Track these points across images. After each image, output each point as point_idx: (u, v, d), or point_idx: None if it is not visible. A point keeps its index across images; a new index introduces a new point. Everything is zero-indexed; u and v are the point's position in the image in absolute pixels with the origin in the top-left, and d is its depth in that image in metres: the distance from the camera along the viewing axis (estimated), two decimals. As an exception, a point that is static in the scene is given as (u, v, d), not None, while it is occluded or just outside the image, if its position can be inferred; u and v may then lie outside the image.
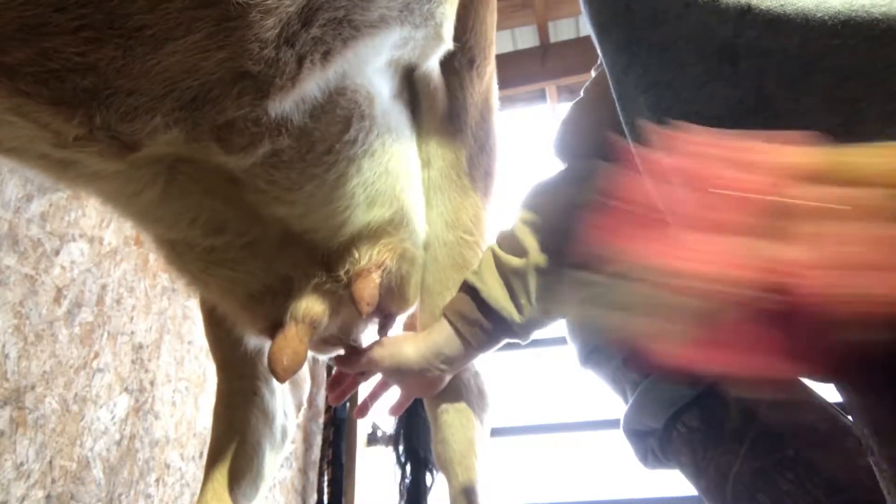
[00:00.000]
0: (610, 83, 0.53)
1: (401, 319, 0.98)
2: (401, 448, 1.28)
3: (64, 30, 0.46)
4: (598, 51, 0.54)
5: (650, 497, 1.77)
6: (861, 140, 0.38)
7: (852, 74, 0.39)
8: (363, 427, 2.09)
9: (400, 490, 1.27)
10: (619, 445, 1.89)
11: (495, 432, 1.61)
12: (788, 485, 0.71)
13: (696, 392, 0.80)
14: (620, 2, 0.48)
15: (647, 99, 0.48)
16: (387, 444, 1.27)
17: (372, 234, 0.78)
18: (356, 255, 0.78)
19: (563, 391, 2.02)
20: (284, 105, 0.58)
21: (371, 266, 0.78)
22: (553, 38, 2.58)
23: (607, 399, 1.91)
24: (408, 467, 1.27)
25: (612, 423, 1.86)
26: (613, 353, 0.87)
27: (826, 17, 0.39)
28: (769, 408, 0.76)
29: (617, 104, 0.53)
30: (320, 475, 1.79)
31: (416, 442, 1.22)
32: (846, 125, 0.40)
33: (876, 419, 0.45)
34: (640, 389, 0.84)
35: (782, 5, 0.40)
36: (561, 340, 2.01)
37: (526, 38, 2.63)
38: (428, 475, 1.25)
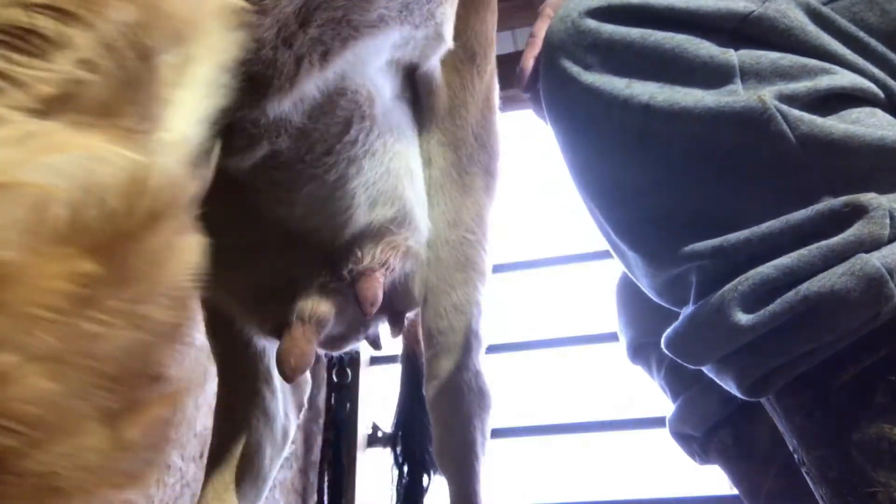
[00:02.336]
0: (566, 167, 0.67)
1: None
2: (398, 449, 1.28)
3: None
4: (558, 144, 0.67)
5: (652, 498, 1.77)
6: (744, 198, 0.53)
7: (730, 150, 0.52)
8: (363, 428, 2.09)
9: (397, 491, 1.26)
10: (620, 446, 1.89)
11: (496, 433, 1.61)
12: None
13: (728, 411, 0.83)
14: (565, 107, 0.62)
15: (589, 176, 0.62)
16: (385, 445, 1.27)
17: (374, 234, 0.78)
18: (359, 255, 0.78)
19: (564, 392, 2.02)
20: (283, 106, 0.58)
21: (374, 265, 0.78)
22: (553, 39, 2.57)
23: (608, 400, 1.91)
24: (405, 468, 1.26)
25: (614, 425, 1.86)
26: (661, 354, 0.90)
27: (703, 112, 0.52)
28: None
29: (574, 184, 0.66)
30: (320, 476, 1.79)
31: (413, 443, 1.22)
32: (733, 188, 0.53)
33: (798, 426, 0.52)
34: (681, 400, 0.87)
35: (671, 105, 0.53)
36: (561, 341, 2.01)
37: (526, 38, 2.63)
38: (425, 476, 1.25)
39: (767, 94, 0.51)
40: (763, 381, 0.52)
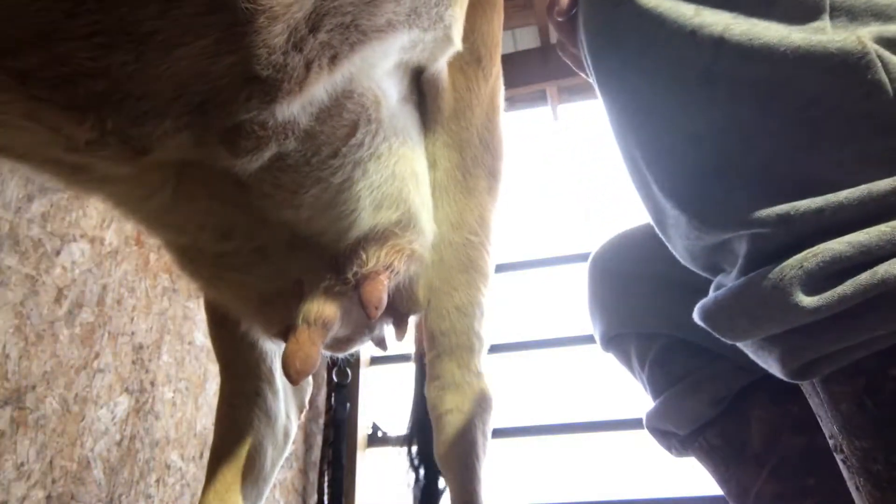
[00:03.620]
0: (603, 106, 0.59)
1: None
2: (414, 450, 1.27)
3: (76, 35, 0.46)
4: (593, 78, 0.60)
5: (652, 498, 1.77)
6: (821, 158, 0.45)
7: (812, 100, 0.45)
8: (363, 427, 2.09)
9: (414, 494, 1.25)
10: (621, 446, 1.89)
11: (496, 433, 1.62)
12: None
13: (718, 411, 0.79)
14: (612, 32, 0.54)
15: (635, 119, 0.55)
16: (401, 445, 1.25)
17: (379, 237, 0.78)
18: (364, 258, 0.78)
19: (565, 392, 2.03)
20: (292, 109, 0.58)
21: (379, 268, 0.78)
22: (554, 39, 2.58)
23: (608, 400, 1.91)
24: (421, 470, 1.25)
25: (615, 424, 1.87)
26: (643, 348, 0.86)
27: (788, 51, 0.45)
28: (791, 431, 0.75)
29: (612, 128, 0.58)
30: (320, 476, 1.79)
31: (429, 444, 1.22)
32: (809, 145, 0.45)
33: (844, 414, 0.47)
34: (664, 397, 0.83)
35: (750, 39, 0.46)
36: (561, 341, 2.01)
37: (527, 38, 2.62)
38: (441, 479, 1.24)
39: (867, 36, 0.44)
40: (813, 364, 0.46)
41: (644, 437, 1.88)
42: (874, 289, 0.41)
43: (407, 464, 1.28)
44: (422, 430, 1.26)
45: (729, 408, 0.80)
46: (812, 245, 0.44)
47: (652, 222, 0.58)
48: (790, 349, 0.46)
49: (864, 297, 0.42)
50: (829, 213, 0.44)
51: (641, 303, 0.84)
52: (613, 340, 0.89)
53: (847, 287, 0.42)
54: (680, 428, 0.83)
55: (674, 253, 0.58)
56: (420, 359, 1.28)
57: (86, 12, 0.45)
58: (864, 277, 0.42)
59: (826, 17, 0.46)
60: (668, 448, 0.88)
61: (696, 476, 1.68)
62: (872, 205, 0.43)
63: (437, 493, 1.24)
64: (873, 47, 0.43)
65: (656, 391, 0.85)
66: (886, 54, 0.43)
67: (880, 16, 0.45)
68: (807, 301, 0.43)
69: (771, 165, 0.47)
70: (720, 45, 0.47)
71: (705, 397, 0.79)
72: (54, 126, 0.51)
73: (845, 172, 0.44)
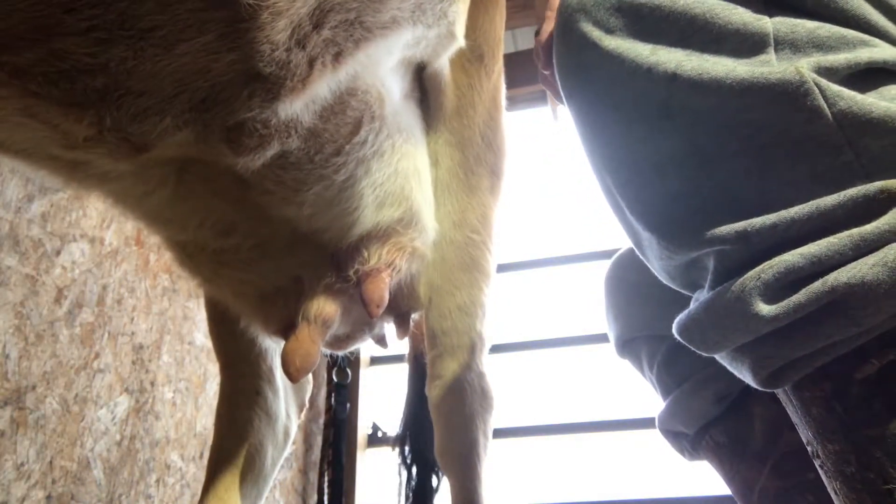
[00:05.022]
0: (578, 138, 0.63)
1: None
2: (406, 449, 1.27)
3: (74, 30, 0.45)
4: (570, 114, 0.64)
5: (652, 498, 1.77)
6: (774, 179, 0.49)
7: (760, 126, 0.49)
8: (363, 427, 2.09)
9: (406, 493, 1.26)
10: (620, 446, 1.89)
11: (497, 433, 1.61)
12: None
13: (722, 408, 0.81)
14: (581, 74, 0.59)
15: (606, 150, 0.59)
16: (393, 446, 1.25)
17: (381, 234, 0.78)
18: (365, 255, 0.78)
19: (566, 392, 2.02)
20: (295, 106, 0.58)
21: (381, 266, 0.78)
22: (553, 39, 2.57)
23: (609, 400, 1.91)
24: (413, 469, 1.26)
25: (615, 424, 1.86)
26: (652, 350, 0.89)
27: (734, 83, 0.48)
28: (792, 428, 0.78)
29: (587, 157, 0.63)
30: (320, 476, 1.78)
31: (421, 443, 1.22)
32: (762, 167, 0.49)
33: (815, 418, 0.49)
34: (672, 397, 0.85)
35: (700, 74, 0.50)
36: (561, 341, 2.01)
37: (527, 38, 2.62)
38: (434, 477, 1.24)
39: (805, 66, 0.47)
40: (781, 371, 0.49)
41: (644, 437, 1.89)
42: (826, 296, 0.44)
43: (399, 462, 1.28)
44: (414, 429, 1.27)
45: (733, 406, 0.81)
46: (769, 258, 0.47)
47: (633, 246, 0.62)
48: (758, 358, 0.49)
49: (817, 304, 0.45)
50: (783, 228, 0.47)
51: (651, 308, 0.87)
52: (627, 345, 0.92)
53: (801, 295, 0.45)
54: (688, 427, 0.85)
55: (654, 273, 0.61)
56: (414, 359, 1.28)
57: (84, 6, 0.44)
58: (816, 286, 0.45)
59: (771, 50, 0.49)
60: (681, 451, 0.90)
61: (696, 476, 1.68)
62: (821, 219, 0.46)
63: (430, 492, 1.24)
64: (811, 76, 0.47)
65: (665, 392, 0.87)
66: (824, 82, 0.46)
67: (821, 47, 0.48)
68: (766, 310, 0.46)
69: (728, 188, 0.51)
70: (674, 80, 0.51)
71: (709, 395, 0.81)
72: (52, 122, 0.50)
73: (795, 191, 0.48)
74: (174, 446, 1.54)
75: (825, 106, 0.46)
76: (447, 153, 0.93)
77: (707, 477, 1.66)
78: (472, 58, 0.92)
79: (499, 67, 0.99)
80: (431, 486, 1.25)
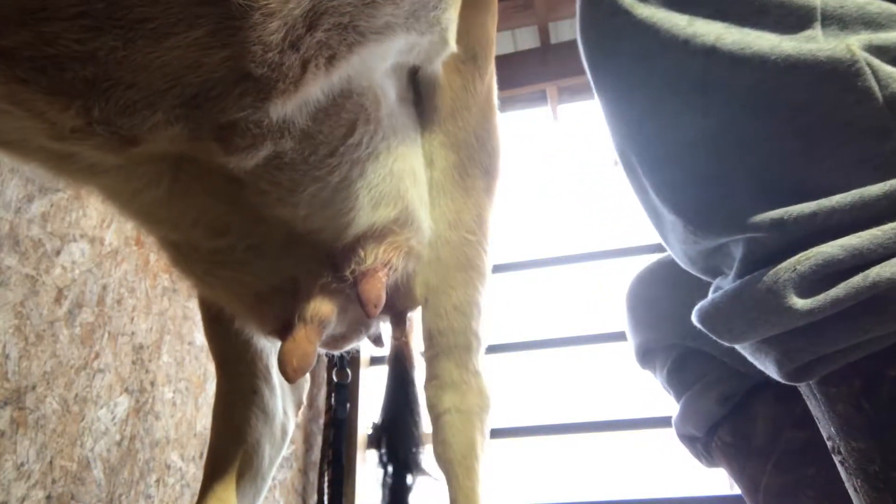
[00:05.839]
0: (602, 112, 0.60)
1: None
2: (383, 449, 1.28)
3: (63, 16, 0.44)
4: (592, 86, 0.60)
5: (652, 498, 1.77)
6: (814, 164, 0.46)
7: (804, 107, 0.46)
8: (363, 427, 2.09)
9: (382, 491, 1.27)
10: (620, 446, 1.89)
11: (496, 433, 1.61)
12: (809, 501, 0.74)
13: (728, 409, 0.83)
14: (609, 43, 0.55)
15: (632, 126, 0.56)
16: (368, 445, 1.26)
17: (377, 234, 0.78)
18: (362, 255, 0.78)
19: (565, 392, 2.03)
20: (287, 108, 0.58)
21: (377, 265, 0.78)
22: (554, 40, 2.58)
23: (609, 400, 1.91)
24: (389, 467, 1.26)
25: (615, 424, 1.86)
26: (664, 358, 0.92)
27: (779, 59, 0.45)
28: (793, 426, 0.78)
29: (610, 134, 0.59)
30: (320, 476, 1.79)
31: (396, 442, 1.23)
32: (802, 151, 0.46)
33: (841, 415, 0.47)
34: (682, 401, 0.88)
35: (742, 48, 0.47)
36: (562, 341, 2.01)
37: (527, 38, 2.62)
38: (409, 476, 1.25)
39: (856, 44, 0.44)
40: (809, 366, 0.46)
41: (645, 437, 1.89)
42: (866, 291, 0.42)
43: (377, 461, 1.29)
44: (391, 427, 1.27)
45: (738, 407, 0.83)
46: (805, 249, 0.44)
47: (654, 229, 0.59)
48: (786, 351, 0.46)
49: (856, 299, 0.42)
50: (822, 217, 0.44)
51: (667, 322, 0.88)
52: (646, 356, 0.94)
53: (839, 290, 0.42)
54: (698, 429, 0.87)
55: (673, 256, 0.58)
56: (395, 358, 1.28)
57: None
58: (856, 280, 0.42)
59: (818, 25, 0.46)
60: (697, 456, 0.92)
61: (696, 476, 1.68)
62: (864, 209, 0.43)
63: (406, 490, 1.25)
64: (862, 55, 0.44)
65: (677, 397, 0.90)
66: (876, 62, 0.44)
67: (871, 24, 0.46)
68: (800, 303, 0.43)
69: (765, 171, 0.48)
70: (712, 53, 0.48)
71: (714, 396, 0.83)
72: (38, 111, 0.49)
73: (838, 177, 0.45)
74: (174, 446, 1.54)
75: (877, 88, 0.43)
76: (442, 154, 0.93)
77: (707, 477, 1.66)
78: (465, 60, 0.92)
79: (491, 68, 0.99)
80: (407, 484, 1.25)
